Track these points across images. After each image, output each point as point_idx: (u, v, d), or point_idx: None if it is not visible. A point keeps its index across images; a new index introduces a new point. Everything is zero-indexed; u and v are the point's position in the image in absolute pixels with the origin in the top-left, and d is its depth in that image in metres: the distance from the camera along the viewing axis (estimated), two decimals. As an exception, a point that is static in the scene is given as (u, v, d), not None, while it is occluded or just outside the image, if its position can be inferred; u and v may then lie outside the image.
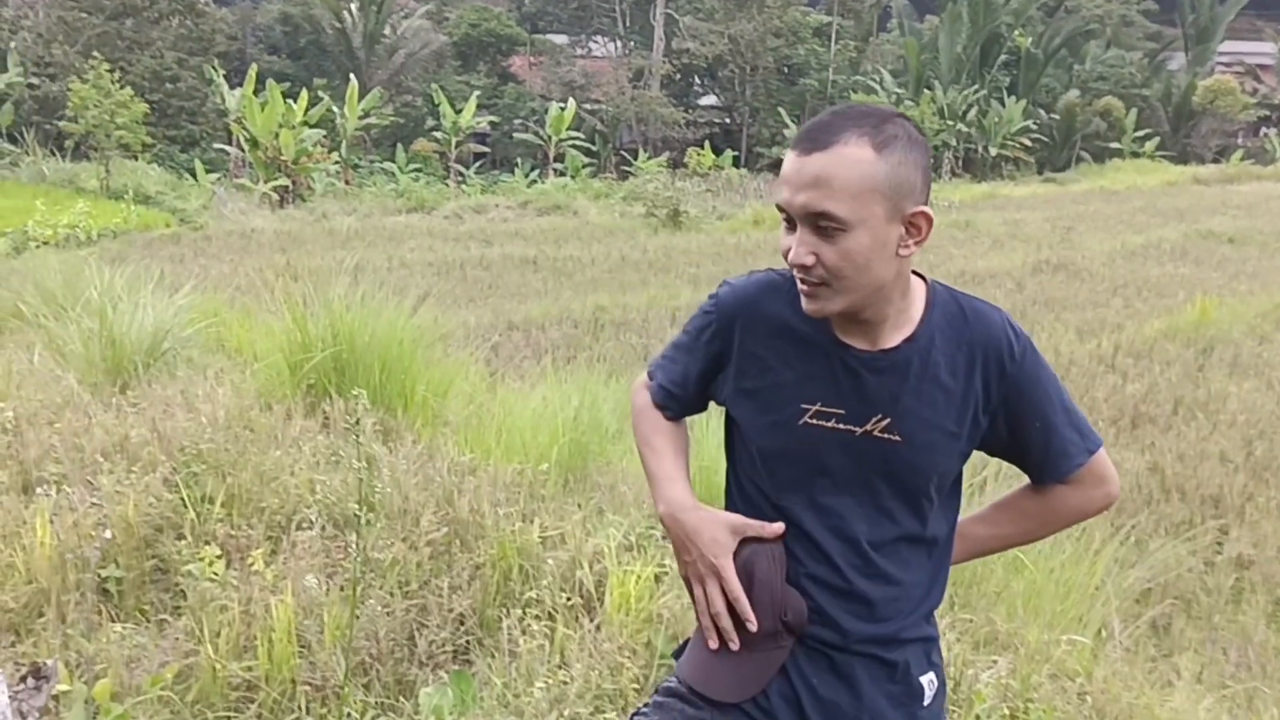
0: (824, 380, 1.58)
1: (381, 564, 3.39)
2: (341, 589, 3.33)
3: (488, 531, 3.67)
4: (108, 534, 3.34)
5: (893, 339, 1.57)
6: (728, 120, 45.42)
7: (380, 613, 3.17)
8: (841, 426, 1.57)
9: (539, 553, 3.56)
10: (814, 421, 1.58)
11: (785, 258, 1.51)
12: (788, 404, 1.59)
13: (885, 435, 1.56)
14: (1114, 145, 42.33)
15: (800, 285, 1.52)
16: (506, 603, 3.41)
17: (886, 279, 1.50)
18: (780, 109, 40.82)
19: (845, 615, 1.60)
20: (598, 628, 3.21)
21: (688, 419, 1.83)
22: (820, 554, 1.60)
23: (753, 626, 1.57)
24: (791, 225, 1.50)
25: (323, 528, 3.74)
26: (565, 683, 2.91)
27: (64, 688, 2.82)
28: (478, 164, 37.17)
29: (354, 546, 3.33)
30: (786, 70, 44.34)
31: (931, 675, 1.67)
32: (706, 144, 37.42)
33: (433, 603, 3.34)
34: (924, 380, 1.56)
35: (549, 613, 3.26)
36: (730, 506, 1.71)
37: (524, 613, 3.30)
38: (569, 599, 3.34)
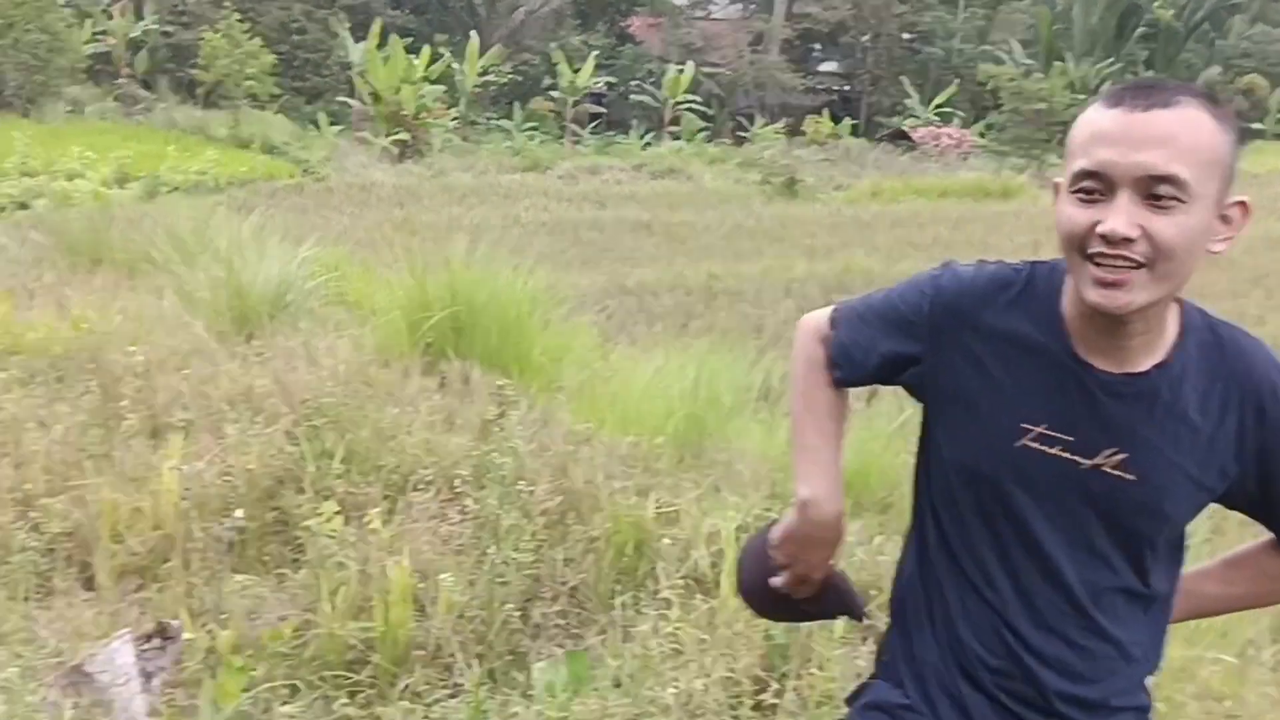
0: (1054, 400, 1.37)
1: (498, 532, 3.36)
2: (458, 554, 3.32)
3: (602, 504, 3.61)
4: (239, 514, 3.38)
5: (1143, 362, 1.35)
6: (847, 88, 44.48)
7: (496, 581, 3.14)
8: (1066, 455, 1.35)
9: (654, 530, 3.48)
10: (1034, 445, 1.36)
11: (1075, 237, 1.27)
12: (1004, 419, 1.38)
13: (1116, 472, 1.34)
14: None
15: (1100, 271, 1.26)
16: (621, 579, 3.35)
17: (1188, 277, 1.28)
18: (903, 78, 39.77)
19: (1048, 672, 1.40)
20: (713, 613, 3.12)
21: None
22: (1025, 600, 1.41)
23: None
24: (1090, 196, 1.26)
25: (439, 490, 3.73)
26: (680, 667, 2.83)
27: (188, 636, 2.86)
28: (593, 124, 37.14)
29: (489, 530, 3.31)
30: (911, 37, 43.18)
31: None
32: (825, 111, 36.73)
33: (546, 574, 3.31)
34: (1171, 415, 1.34)
35: (663, 594, 3.18)
36: (918, 536, 1.53)
37: (638, 592, 3.24)
38: (685, 580, 3.26)
